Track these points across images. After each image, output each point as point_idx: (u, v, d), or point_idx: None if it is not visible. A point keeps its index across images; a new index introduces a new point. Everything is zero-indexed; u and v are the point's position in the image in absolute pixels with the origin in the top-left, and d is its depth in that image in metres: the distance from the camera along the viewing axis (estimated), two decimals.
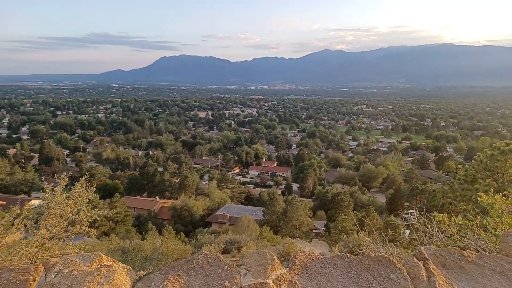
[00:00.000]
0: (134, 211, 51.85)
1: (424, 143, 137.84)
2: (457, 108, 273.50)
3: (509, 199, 4.67)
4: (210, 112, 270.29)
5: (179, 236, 34.43)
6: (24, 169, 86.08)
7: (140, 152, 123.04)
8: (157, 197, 61.33)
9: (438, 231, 4.78)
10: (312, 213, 45.57)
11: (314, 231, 42.77)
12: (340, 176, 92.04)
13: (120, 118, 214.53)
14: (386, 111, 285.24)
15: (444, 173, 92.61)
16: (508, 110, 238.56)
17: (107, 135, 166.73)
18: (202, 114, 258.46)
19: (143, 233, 40.17)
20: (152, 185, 66.77)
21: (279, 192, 74.94)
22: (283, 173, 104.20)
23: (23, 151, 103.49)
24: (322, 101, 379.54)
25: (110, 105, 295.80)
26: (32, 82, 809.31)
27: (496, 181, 14.89)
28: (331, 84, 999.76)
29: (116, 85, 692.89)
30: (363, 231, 9.95)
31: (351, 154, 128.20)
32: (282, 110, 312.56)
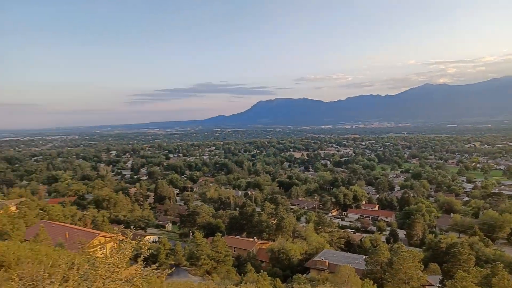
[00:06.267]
0: (234, 251, 53.48)
1: None
2: None
3: None
4: (305, 153, 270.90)
5: (275, 283, 34.12)
6: (141, 207, 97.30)
7: (239, 192, 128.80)
8: (255, 238, 62.42)
9: None
10: (423, 265, 40.67)
11: (427, 287, 37.83)
12: (455, 224, 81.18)
13: (222, 159, 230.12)
14: (507, 148, 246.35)
15: None
16: None
17: (211, 175, 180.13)
18: (297, 155, 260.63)
19: (242, 274, 40.99)
20: (251, 225, 68.30)
21: (383, 239, 69.18)
22: (386, 218, 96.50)
23: (141, 191, 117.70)
24: (426, 139, 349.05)
25: (213, 148, 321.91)
26: (150, 129, 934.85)
27: None
28: (435, 120, 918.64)
29: (219, 129, 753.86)
30: None
31: (466, 198, 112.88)
32: (381, 149, 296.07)
